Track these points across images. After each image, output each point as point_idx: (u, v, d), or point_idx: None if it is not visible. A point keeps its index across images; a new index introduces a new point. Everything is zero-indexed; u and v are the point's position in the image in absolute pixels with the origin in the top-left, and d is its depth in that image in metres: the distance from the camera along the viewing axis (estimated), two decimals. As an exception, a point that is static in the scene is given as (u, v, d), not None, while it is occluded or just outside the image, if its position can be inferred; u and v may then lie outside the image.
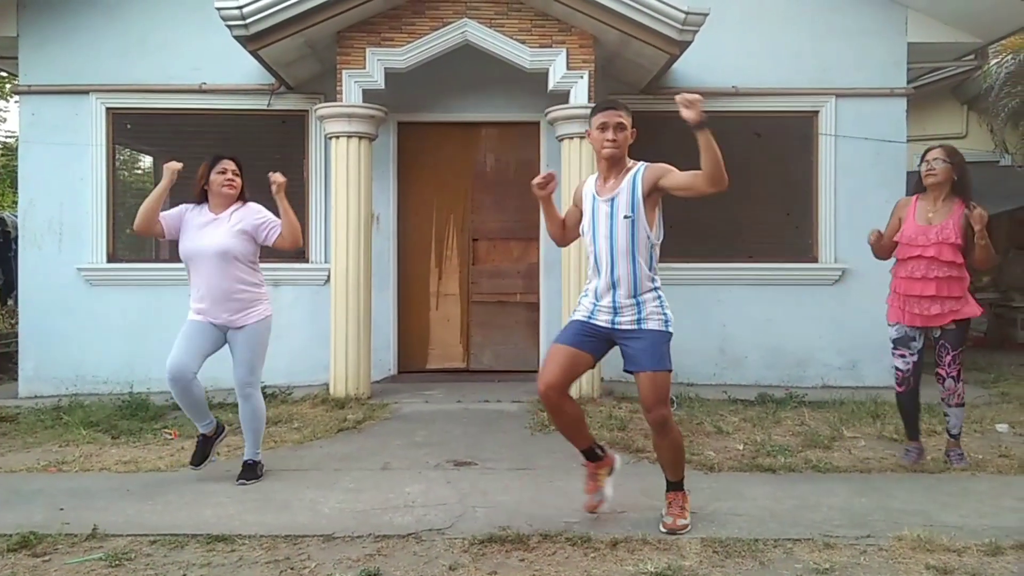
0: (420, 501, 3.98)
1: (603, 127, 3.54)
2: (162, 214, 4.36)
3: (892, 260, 4.71)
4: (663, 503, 3.64)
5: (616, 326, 3.55)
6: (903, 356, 4.60)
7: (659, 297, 3.57)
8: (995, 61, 10.07)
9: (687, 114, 3.24)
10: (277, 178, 4.31)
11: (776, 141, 7.57)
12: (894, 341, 4.63)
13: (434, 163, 7.63)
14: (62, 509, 3.85)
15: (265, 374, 6.84)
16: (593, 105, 6.26)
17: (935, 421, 5.54)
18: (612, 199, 3.55)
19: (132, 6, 7.27)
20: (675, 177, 3.48)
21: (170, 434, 5.53)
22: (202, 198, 4.41)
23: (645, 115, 7.36)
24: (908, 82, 7.52)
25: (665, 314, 3.56)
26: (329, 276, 6.85)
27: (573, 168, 6.51)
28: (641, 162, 3.62)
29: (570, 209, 3.83)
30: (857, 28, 7.36)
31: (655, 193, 3.53)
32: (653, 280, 3.56)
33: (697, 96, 3.25)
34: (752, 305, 7.36)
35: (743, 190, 7.58)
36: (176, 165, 4.30)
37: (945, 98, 10.97)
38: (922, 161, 4.58)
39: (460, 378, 7.41)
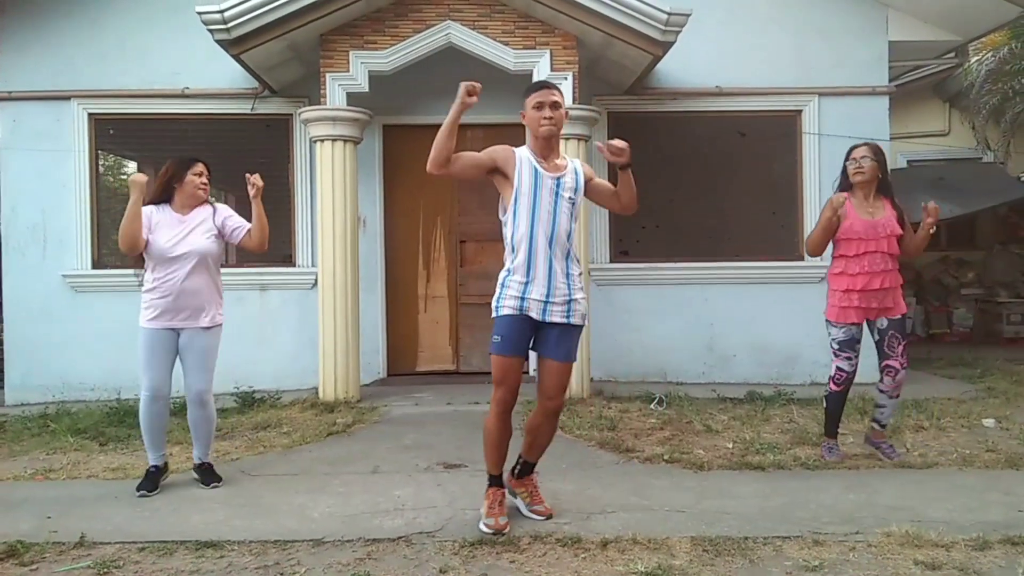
0: (410, 504, 3.98)
1: (539, 106, 3.60)
2: None
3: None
4: (523, 491, 3.78)
5: (546, 318, 3.53)
6: (849, 358, 4.57)
7: (581, 287, 3.64)
8: (975, 59, 10.19)
9: (620, 161, 3.53)
10: (256, 180, 4.30)
11: (760, 140, 7.61)
12: (841, 344, 4.56)
13: (420, 165, 7.40)
14: (49, 517, 3.82)
15: (253, 379, 6.84)
16: (579, 106, 6.33)
17: (922, 417, 5.60)
18: (559, 178, 3.59)
19: (114, 12, 7.24)
20: (601, 185, 3.75)
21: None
22: (164, 198, 4.33)
23: (630, 115, 7.45)
24: (890, 80, 7.57)
25: (585, 311, 3.65)
26: (316, 280, 6.83)
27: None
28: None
29: (476, 154, 3.62)
30: (839, 27, 7.42)
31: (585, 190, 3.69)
32: (578, 265, 3.65)
33: (624, 145, 3.51)
34: (739, 304, 7.38)
35: (728, 189, 7.64)
36: (142, 178, 4.17)
37: (927, 96, 11.07)
38: (848, 159, 4.60)
39: (450, 380, 7.41)
